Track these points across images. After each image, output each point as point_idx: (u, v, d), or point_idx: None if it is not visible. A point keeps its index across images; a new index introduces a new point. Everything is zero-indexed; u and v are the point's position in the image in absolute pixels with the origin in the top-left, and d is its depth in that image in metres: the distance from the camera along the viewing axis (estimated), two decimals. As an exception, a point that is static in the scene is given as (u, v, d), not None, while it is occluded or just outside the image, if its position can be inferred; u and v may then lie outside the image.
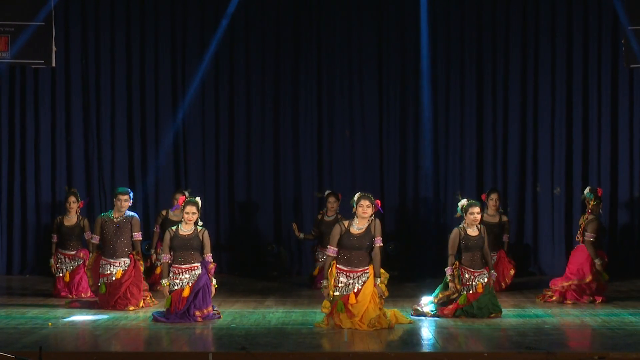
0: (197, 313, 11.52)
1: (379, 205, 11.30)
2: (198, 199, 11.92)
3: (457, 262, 11.91)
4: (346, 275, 11.10)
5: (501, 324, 11.35)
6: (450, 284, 11.86)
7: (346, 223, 11.21)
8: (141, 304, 12.63)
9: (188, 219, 11.71)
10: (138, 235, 12.76)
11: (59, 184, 16.49)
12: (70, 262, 14.07)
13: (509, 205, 16.46)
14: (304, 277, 15.63)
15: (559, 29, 16.31)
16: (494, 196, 14.57)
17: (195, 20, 16.58)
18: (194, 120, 16.64)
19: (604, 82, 16.26)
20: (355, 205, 11.16)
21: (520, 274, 15.13)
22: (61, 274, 14.02)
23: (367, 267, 11.10)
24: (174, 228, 11.79)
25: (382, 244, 11.18)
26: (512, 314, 12.06)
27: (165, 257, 11.77)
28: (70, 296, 13.75)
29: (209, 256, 11.72)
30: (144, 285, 12.89)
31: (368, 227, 11.12)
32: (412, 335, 10.59)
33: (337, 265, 11.14)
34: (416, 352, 9.76)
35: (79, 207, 14.31)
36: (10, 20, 14.66)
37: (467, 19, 16.44)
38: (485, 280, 11.81)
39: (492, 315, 11.67)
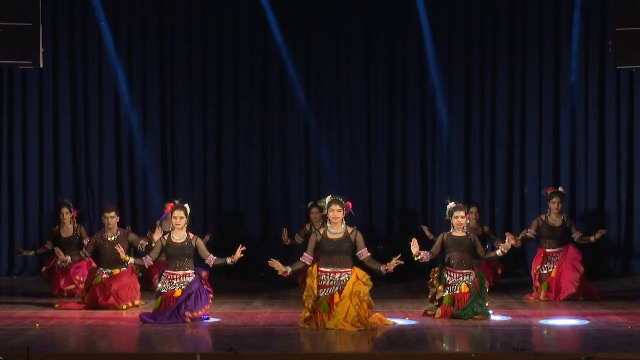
0: (187, 314, 11.50)
1: (350, 207, 11.37)
2: (186, 205, 11.94)
3: (436, 268, 12.01)
4: (329, 276, 11.15)
5: (489, 324, 11.38)
6: (429, 283, 12.00)
7: (321, 230, 11.30)
8: (130, 303, 12.64)
9: (176, 224, 11.75)
10: (144, 241, 12.91)
11: (46, 185, 16.47)
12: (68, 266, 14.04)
13: (497, 206, 16.50)
14: (292, 279, 15.60)
15: (546, 30, 16.35)
16: (473, 210, 14.69)
17: (184, 20, 16.56)
18: (182, 127, 16.61)
19: (591, 83, 16.31)
20: (326, 210, 11.27)
21: (507, 275, 15.16)
22: (61, 264, 13.97)
23: (349, 269, 11.17)
24: (166, 236, 11.82)
25: (369, 254, 11.29)
26: (499, 314, 12.08)
27: (148, 260, 11.80)
28: (66, 288, 13.74)
29: (210, 258, 11.74)
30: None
31: (346, 233, 11.22)
32: (400, 336, 10.60)
33: (320, 268, 11.21)
34: (404, 353, 9.77)
35: (72, 217, 14.32)
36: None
37: (455, 21, 16.46)
38: (471, 281, 11.83)
39: (477, 317, 11.67)
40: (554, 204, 13.59)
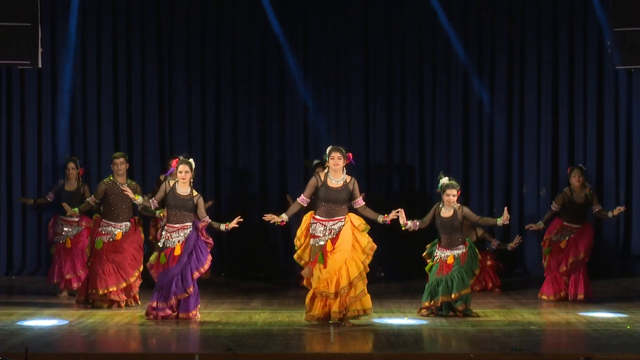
0: (196, 274, 11.65)
1: (351, 157, 11.52)
2: (191, 159, 12.01)
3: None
4: (322, 225, 11.33)
5: (487, 324, 11.40)
6: (424, 255, 12.28)
7: (322, 174, 11.45)
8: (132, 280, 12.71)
9: (181, 178, 11.82)
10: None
11: (45, 185, 16.40)
12: (71, 229, 14.11)
13: (495, 206, 16.49)
14: (291, 278, 15.62)
15: (544, 31, 16.35)
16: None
17: (182, 17, 16.53)
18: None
19: (590, 84, 16.31)
20: (327, 159, 11.43)
21: (506, 275, 15.16)
22: (62, 241, 14.06)
23: (343, 217, 11.36)
24: (171, 183, 11.89)
25: (364, 202, 11.52)
26: (497, 314, 12.12)
27: (154, 202, 11.93)
28: (69, 276, 13.91)
29: (206, 220, 11.82)
30: (138, 274, 12.91)
31: (345, 182, 11.39)
32: (399, 336, 10.62)
33: (315, 216, 11.39)
34: (402, 353, 9.78)
35: (78, 173, 14.33)
36: (-5, 21, 14.70)
37: (454, 20, 16.44)
38: (459, 253, 11.97)
39: (455, 294, 11.77)
40: (575, 178, 13.44)
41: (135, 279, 12.78)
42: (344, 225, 11.32)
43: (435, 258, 12.10)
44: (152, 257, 11.88)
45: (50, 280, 14.18)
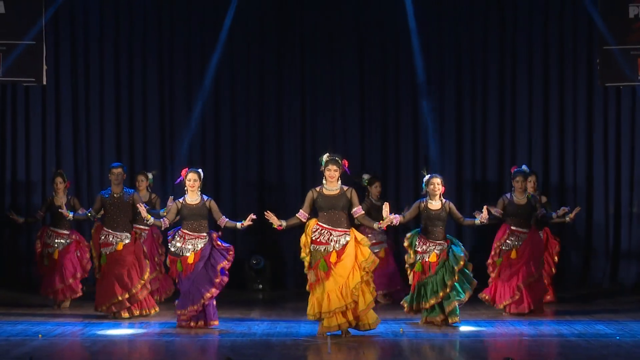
0: (218, 279, 11.97)
1: (346, 165, 11.70)
2: (200, 170, 12.25)
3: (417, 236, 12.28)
4: (328, 232, 11.43)
5: (480, 334, 11.55)
6: (406, 257, 12.30)
7: (318, 188, 11.62)
8: (139, 286, 12.91)
9: (190, 186, 12.07)
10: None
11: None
12: (61, 241, 14.24)
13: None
14: (289, 289, 15.72)
15: (535, 48, 16.50)
16: (532, 178, 14.26)
17: (183, 34, 16.72)
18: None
19: (579, 100, 16.45)
20: (323, 168, 11.60)
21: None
22: (49, 251, 14.19)
23: (347, 230, 11.45)
24: (181, 199, 12.12)
25: (363, 211, 11.65)
26: (489, 325, 12.28)
27: (165, 222, 12.07)
28: (60, 286, 14.02)
29: (223, 219, 12.05)
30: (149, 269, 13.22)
31: (342, 190, 11.54)
32: (393, 347, 10.79)
33: (318, 222, 11.49)
34: (398, 362, 9.93)
35: (66, 187, 14.44)
36: (1, 39, 14.83)
37: (444, 35, 16.64)
38: (441, 251, 12.09)
39: (440, 294, 11.94)
40: (518, 183, 13.36)
41: (140, 287, 12.93)
42: (349, 240, 11.40)
43: (418, 255, 12.14)
44: (179, 266, 12.06)
45: (44, 292, 14.26)
